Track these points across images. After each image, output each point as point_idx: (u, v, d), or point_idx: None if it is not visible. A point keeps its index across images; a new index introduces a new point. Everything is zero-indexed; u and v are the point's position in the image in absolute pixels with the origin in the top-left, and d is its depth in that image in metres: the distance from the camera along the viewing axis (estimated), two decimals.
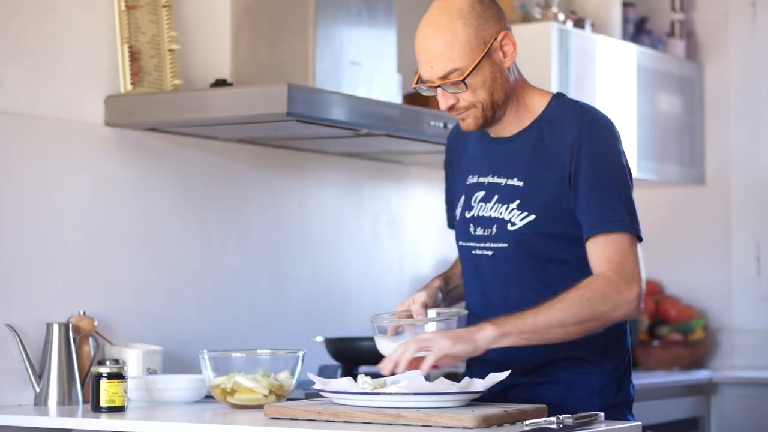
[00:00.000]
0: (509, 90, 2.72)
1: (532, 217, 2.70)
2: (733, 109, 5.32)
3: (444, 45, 2.64)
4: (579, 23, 4.73)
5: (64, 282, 3.29)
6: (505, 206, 2.73)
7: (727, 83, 5.34)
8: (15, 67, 3.23)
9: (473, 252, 2.79)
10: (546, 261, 2.71)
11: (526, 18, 4.68)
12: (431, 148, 3.81)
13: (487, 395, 2.65)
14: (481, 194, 2.78)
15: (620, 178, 2.70)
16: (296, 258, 3.98)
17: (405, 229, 4.38)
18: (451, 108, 2.70)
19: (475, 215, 2.79)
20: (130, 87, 3.42)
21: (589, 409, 2.61)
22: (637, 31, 5.22)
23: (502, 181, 2.76)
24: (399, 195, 4.37)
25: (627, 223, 2.66)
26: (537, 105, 2.77)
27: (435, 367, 2.58)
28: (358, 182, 4.22)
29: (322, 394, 2.67)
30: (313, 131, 3.55)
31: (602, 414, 2.55)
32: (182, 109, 3.37)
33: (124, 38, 3.43)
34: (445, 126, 3.65)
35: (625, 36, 5.08)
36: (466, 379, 2.62)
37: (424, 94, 2.75)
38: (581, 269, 2.68)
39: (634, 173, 4.90)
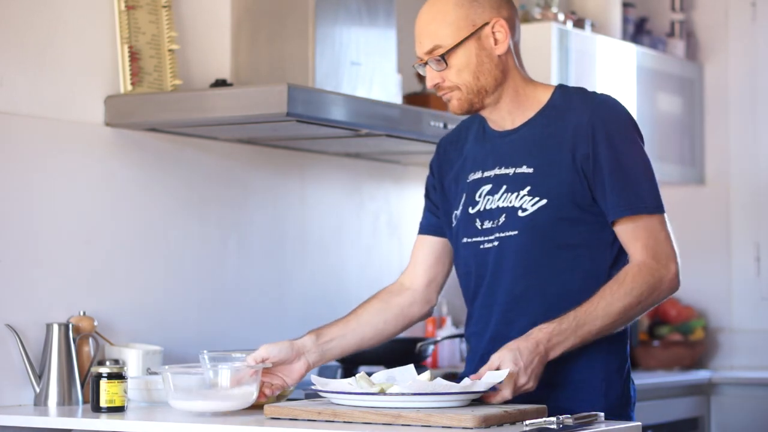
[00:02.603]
0: (501, 78, 2.75)
1: (544, 201, 2.70)
2: (733, 109, 5.32)
3: (433, 21, 2.72)
4: (579, 23, 4.73)
5: (64, 282, 3.29)
6: (515, 194, 2.73)
7: (727, 83, 5.34)
8: (15, 67, 3.23)
9: (481, 247, 2.77)
10: (556, 246, 2.70)
11: (526, 18, 4.68)
12: (431, 148, 3.78)
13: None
14: (487, 188, 2.78)
15: (641, 157, 2.73)
16: (296, 258, 3.98)
17: (404, 229, 4.38)
18: (437, 87, 2.75)
19: (481, 209, 2.78)
20: (130, 87, 3.42)
21: (594, 411, 2.62)
22: (637, 31, 5.22)
23: (510, 171, 2.75)
24: (398, 195, 4.38)
25: (653, 204, 2.70)
26: (541, 96, 2.79)
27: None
28: (357, 182, 4.22)
29: (321, 394, 2.67)
30: (313, 131, 3.55)
31: (602, 414, 2.55)
32: (182, 109, 3.37)
33: (124, 38, 3.43)
34: (445, 126, 3.65)
35: (625, 36, 5.09)
36: (467, 379, 2.62)
37: (420, 72, 2.79)
38: (590, 254, 2.70)
39: None
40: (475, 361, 2.76)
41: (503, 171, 2.76)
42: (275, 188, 3.93)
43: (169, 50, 3.53)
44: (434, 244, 2.94)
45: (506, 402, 2.61)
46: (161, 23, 3.52)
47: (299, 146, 3.94)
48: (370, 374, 2.69)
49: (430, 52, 2.71)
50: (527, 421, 2.44)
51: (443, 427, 2.43)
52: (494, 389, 2.58)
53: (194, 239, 3.66)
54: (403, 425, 2.47)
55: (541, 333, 2.60)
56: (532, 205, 2.70)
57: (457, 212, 2.84)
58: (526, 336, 2.61)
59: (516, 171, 2.74)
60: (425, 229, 2.97)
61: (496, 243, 2.74)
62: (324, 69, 3.61)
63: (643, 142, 2.77)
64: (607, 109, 2.74)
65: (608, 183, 2.67)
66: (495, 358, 2.58)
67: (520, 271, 2.71)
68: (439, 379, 2.58)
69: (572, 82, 4.57)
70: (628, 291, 2.64)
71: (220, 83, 3.57)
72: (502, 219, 2.73)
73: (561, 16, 4.63)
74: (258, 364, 2.74)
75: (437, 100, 4.20)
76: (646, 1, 5.41)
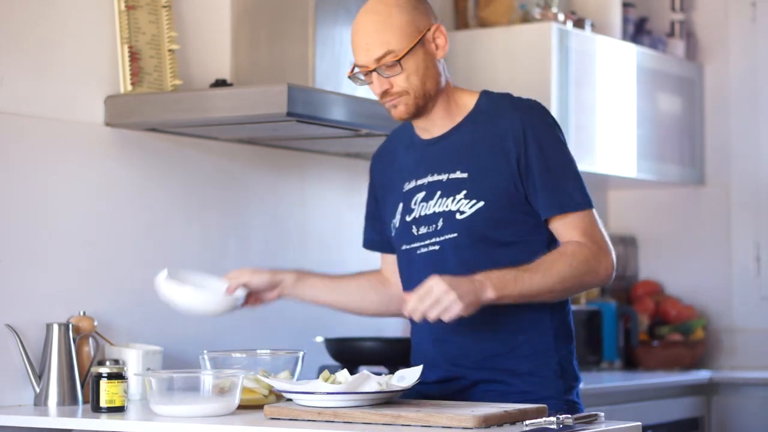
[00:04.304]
0: (440, 84, 2.80)
1: (482, 203, 2.76)
2: (733, 109, 5.32)
3: (381, 28, 2.74)
4: (579, 23, 4.73)
5: (64, 282, 3.29)
6: (451, 198, 2.78)
7: (727, 83, 5.34)
8: (15, 67, 3.23)
9: (418, 252, 2.83)
10: (494, 245, 2.76)
11: (526, 18, 4.68)
12: None
13: (454, 394, 2.77)
14: (421, 195, 2.84)
15: (568, 158, 2.81)
16: (296, 258, 3.98)
17: None
18: (385, 93, 2.77)
19: (417, 216, 2.84)
20: (130, 87, 3.42)
21: (554, 393, 2.73)
22: (637, 31, 5.22)
23: (443, 176, 2.81)
24: None
25: (584, 200, 2.78)
26: (467, 102, 2.85)
27: None
28: (358, 182, 4.22)
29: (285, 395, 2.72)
30: (313, 131, 3.56)
31: (602, 414, 2.56)
32: (182, 109, 3.37)
33: (124, 38, 3.43)
34: None
35: (625, 36, 5.08)
36: (398, 374, 2.66)
37: (358, 84, 2.83)
38: (528, 251, 2.76)
39: (634, 173, 4.95)
40: (422, 365, 2.76)
41: (436, 177, 2.82)
42: (275, 188, 3.93)
43: (169, 50, 3.53)
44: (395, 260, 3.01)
45: (469, 398, 2.67)
46: (161, 23, 3.53)
47: (299, 146, 3.94)
48: (351, 372, 2.72)
49: (380, 59, 2.73)
50: (527, 421, 2.44)
51: (443, 427, 2.43)
52: (459, 386, 2.61)
53: (194, 239, 3.66)
54: (403, 425, 2.47)
55: (479, 273, 2.66)
56: (470, 208, 2.77)
57: (395, 221, 2.90)
58: None
59: (450, 177, 2.80)
60: (380, 247, 3.08)
61: (437, 247, 2.80)
62: (324, 69, 3.61)
63: (566, 143, 2.85)
64: (535, 113, 2.81)
65: (539, 184, 2.75)
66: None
67: (461, 270, 2.73)
68: (367, 374, 2.62)
69: (572, 82, 4.57)
70: (566, 260, 2.71)
71: (220, 83, 3.57)
72: (440, 223, 2.80)
73: (561, 16, 4.63)
74: (236, 289, 2.95)
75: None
76: (646, 1, 5.41)
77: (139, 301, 3.47)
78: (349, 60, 3.68)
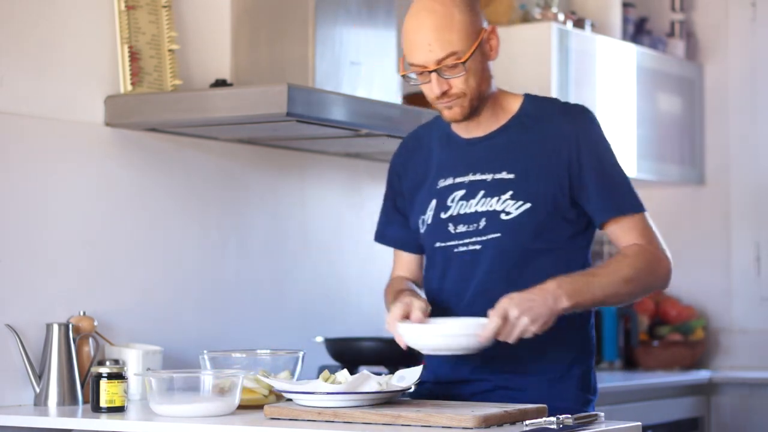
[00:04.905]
0: (491, 86, 2.79)
1: (528, 205, 2.74)
2: (733, 109, 5.32)
3: (444, 28, 2.69)
4: (579, 23, 4.73)
5: (64, 282, 3.29)
6: (496, 198, 2.76)
7: (727, 83, 5.34)
8: (15, 67, 3.23)
9: (455, 250, 2.80)
10: (536, 251, 2.75)
11: (526, 18, 4.68)
12: None
13: (475, 396, 2.74)
14: (460, 193, 2.81)
15: (617, 162, 2.82)
16: (296, 258, 3.98)
17: None
18: (443, 95, 2.73)
19: (454, 213, 2.81)
20: (130, 87, 3.42)
21: (575, 404, 2.69)
22: (637, 31, 5.22)
23: (487, 176, 2.79)
24: None
25: (639, 203, 2.79)
26: (512, 104, 2.83)
27: None
28: (358, 182, 4.22)
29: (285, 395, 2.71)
30: (313, 131, 3.55)
31: (602, 414, 2.56)
32: (182, 109, 3.37)
33: (124, 38, 3.43)
34: None
35: (625, 36, 5.08)
36: (398, 374, 2.66)
37: (411, 83, 2.78)
38: (566, 257, 2.77)
39: (634, 173, 4.95)
40: (421, 366, 2.76)
41: (479, 177, 2.80)
42: (275, 188, 3.93)
43: (169, 50, 3.53)
44: (416, 260, 2.99)
45: (492, 400, 2.62)
46: (161, 23, 3.52)
47: (299, 146, 3.94)
48: (351, 372, 2.72)
49: (442, 60, 2.69)
50: (527, 421, 2.44)
51: (443, 427, 2.43)
52: (482, 388, 2.60)
53: (194, 239, 3.66)
54: (403, 425, 2.47)
55: (550, 281, 2.65)
56: (516, 209, 2.75)
57: (425, 217, 2.86)
58: None
59: (495, 177, 2.78)
60: (400, 244, 3.00)
61: (478, 246, 2.77)
62: (324, 69, 3.61)
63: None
64: (586, 119, 2.81)
65: (594, 187, 2.75)
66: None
67: (503, 274, 2.74)
68: (365, 372, 2.62)
69: (572, 82, 4.57)
70: (630, 263, 2.73)
71: (220, 83, 3.57)
72: (483, 223, 2.77)
73: (561, 16, 4.63)
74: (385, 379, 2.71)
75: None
76: (646, 1, 5.41)
77: (139, 301, 3.48)
78: (349, 60, 3.69)
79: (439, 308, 2.81)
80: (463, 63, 2.68)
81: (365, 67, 3.73)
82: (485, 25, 2.76)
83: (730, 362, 5.26)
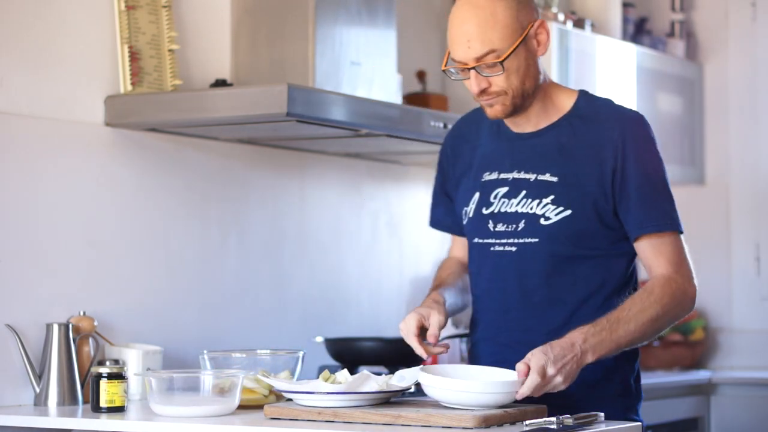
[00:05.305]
0: (538, 81, 2.71)
1: (569, 212, 2.69)
2: (733, 109, 5.32)
3: (484, 25, 2.62)
4: (579, 23, 4.73)
5: (64, 282, 3.29)
6: (537, 201, 2.71)
7: (727, 83, 5.34)
8: (15, 67, 3.23)
9: (492, 249, 2.76)
10: (575, 258, 2.69)
11: None
12: (431, 148, 3.80)
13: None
14: (503, 190, 2.75)
15: (665, 177, 2.76)
16: (296, 258, 3.98)
17: (404, 229, 4.38)
18: (483, 92, 2.67)
19: (496, 211, 2.75)
20: (130, 87, 3.42)
21: (613, 411, 2.64)
22: (637, 31, 5.22)
23: (531, 176, 2.73)
24: (398, 195, 4.38)
25: (677, 221, 2.72)
26: (565, 101, 2.76)
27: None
28: (357, 182, 4.22)
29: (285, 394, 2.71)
30: (313, 131, 3.55)
31: (602, 414, 2.55)
32: (182, 109, 3.37)
33: (124, 38, 3.43)
34: (445, 126, 3.65)
35: (625, 36, 5.08)
36: (398, 374, 2.65)
37: (453, 78, 2.71)
38: (607, 265, 2.72)
39: None
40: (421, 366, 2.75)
41: (523, 175, 2.74)
42: (275, 188, 3.93)
43: (169, 50, 3.53)
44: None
45: (528, 400, 2.59)
46: (161, 23, 3.52)
47: (299, 146, 3.94)
48: (351, 372, 2.73)
49: (481, 57, 2.63)
50: (527, 421, 2.44)
51: (443, 427, 2.43)
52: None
53: (194, 239, 3.65)
54: (403, 425, 2.47)
55: (576, 333, 2.58)
56: (556, 215, 2.69)
57: (467, 210, 2.81)
58: (562, 337, 2.58)
59: (538, 178, 2.72)
60: (447, 228, 2.96)
61: (513, 248, 2.73)
62: (324, 69, 3.61)
63: (663, 162, 2.78)
64: (637, 125, 2.73)
65: (634, 199, 2.68)
66: (527, 356, 2.53)
67: (535, 280, 2.70)
68: (365, 372, 2.61)
69: (572, 82, 4.57)
70: (657, 300, 2.64)
71: (220, 83, 3.57)
72: (522, 225, 2.72)
73: (561, 16, 4.63)
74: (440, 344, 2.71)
75: (437, 100, 4.20)
76: (646, 1, 5.41)
77: (139, 301, 3.48)
78: (349, 60, 3.69)
79: (479, 308, 2.79)
80: (502, 62, 2.62)
81: (365, 67, 3.73)
82: (538, 16, 2.69)
83: (730, 362, 5.26)
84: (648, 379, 4.62)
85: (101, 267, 3.39)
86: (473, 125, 2.88)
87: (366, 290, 4.23)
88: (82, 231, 3.35)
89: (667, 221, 2.70)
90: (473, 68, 2.64)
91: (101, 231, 3.40)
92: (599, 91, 4.73)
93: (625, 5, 5.12)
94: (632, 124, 2.72)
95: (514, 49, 2.63)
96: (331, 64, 3.64)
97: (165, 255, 3.56)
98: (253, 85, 3.63)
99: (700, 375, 4.93)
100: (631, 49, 4.99)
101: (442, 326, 2.70)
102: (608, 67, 4.82)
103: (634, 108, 4.87)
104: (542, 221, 2.70)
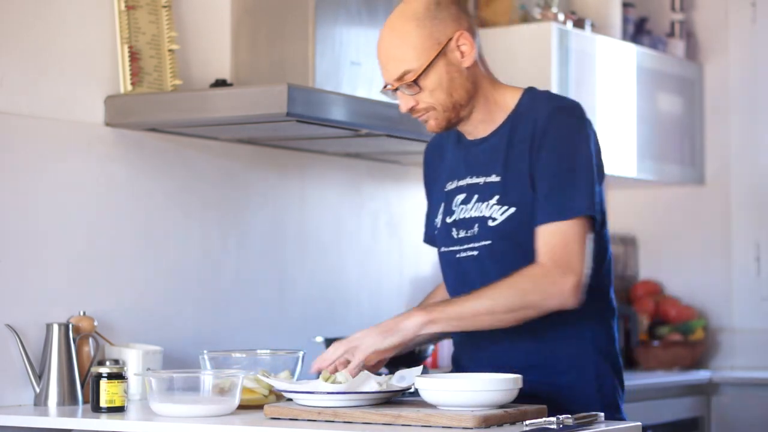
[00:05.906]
0: (472, 90, 2.71)
1: (513, 209, 2.68)
2: (733, 109, 5.32)
3: (397, 47, 2.67)
4: (579, 23, 4.72)
5: (64, 282, 3.29)
6: (485, 203, 2.72)
7: (727, 83, 5.34)
8: (15, 67, 3.23)
9: (457, 256, 2.78)
10: (528, 252, 2.67)
11: (526, 18, 4.68)
12: None
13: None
14: (461, 197, 2.78)
15: (580, 162, 2.65)
16: (296, 258, 3.98)
17: (404, 230, 4.38)
18: (411, 110, 2.71)
19: (457, 218, 2.78)
20: (130, 87, 3.42)
21: (590, 407, 2.64)
22: (637, 31, 5.22)
23: (480, 180, 2.75)
24: (398, 195, 4.38)
25: (576, 208, 2.62)
26: (509, 101, 2.75)
27: (376, 366, 2.65)
28: (357, 182, 4.22)
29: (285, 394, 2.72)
30: (313, 131, 3.56)
31: (602, 414, 2.55)
32: (182, 109, 3.37)
33: (124, 38, 3.43)
34: None
35: (625, 36, 5.08)
36: (398, 374, 2.66)
37: (389, 98, 2.76)
38: None
39: (634, 173, 4.94)
40: (469, 360, 2.78)
41: (474, 180, 2.77)
42: (275, 188, 3.93)
43: (169, 50, 3.53)
44: None
45: (527, 401, 2.61)
46: (161, 23, 3.52)
47: (299, 146, 3.94)
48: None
49: (399, 78, 2.67)
50: (527, 421, 2.44)
51: (443, 427, 2.43)
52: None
53: (194, 239, 3.66)
54: (403, 425, 2.47)
55: (422, 306, 2.68)
56: (501, 214, 2.70)
57: (437, 221, 2.85)
58: None
59: (486, 180, 2.74)
60: (428, 237, 3.00)
61: (475, 252, 2.74)
62: (324, 69, 3.61)
63: (596, 152, 2.69)
64: (564, 114, 2.68)
65: (540, 189, 2.65)
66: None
67: (499, 279, 2.69)
68: (365, 372, 2.62)
69: (572, 82, 4.57)
70: (508, 283, 2.61)
71: (220, 83, 3.57)
72: (476, 229, 2.74)
73: (561, 16, 4.63)
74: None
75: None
76: (646, 1, 5.41)
77: (139, 301, 3.48)
78: (349, 60, 3.70)
79: None
80: (416, 81, 2.65)
81: (365, 67, 3.73)
82: (466, 26, 2.69)
83: (730, 362, 5.26)
84: (648, 379, 4.63)
85: (101, 267, 3.39)
86: (444, 137, 2.90)
87: (366, 290, 4.23)
88: (82, 231, 3.35)
89: (559, 213, 2.61)
90: (396, 89, 2.69)
91: (101, 231, 3.40)
92: (599, 91, 4.75)
93: (625, 5, 5.12)
94: (557, 112, 2.67)
95: (428, 67, 2.65)
96: (331, 64, 3.64)
97: (165, 255, 3.56)
98: (253, 85, 3.63)
99: (701, 375, 4.93)
100: (631, 49, 4.99)
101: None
102: (608, 67, 4.82)
103: (634, 108, 4.92)
104: (490, 223, 2.71)
